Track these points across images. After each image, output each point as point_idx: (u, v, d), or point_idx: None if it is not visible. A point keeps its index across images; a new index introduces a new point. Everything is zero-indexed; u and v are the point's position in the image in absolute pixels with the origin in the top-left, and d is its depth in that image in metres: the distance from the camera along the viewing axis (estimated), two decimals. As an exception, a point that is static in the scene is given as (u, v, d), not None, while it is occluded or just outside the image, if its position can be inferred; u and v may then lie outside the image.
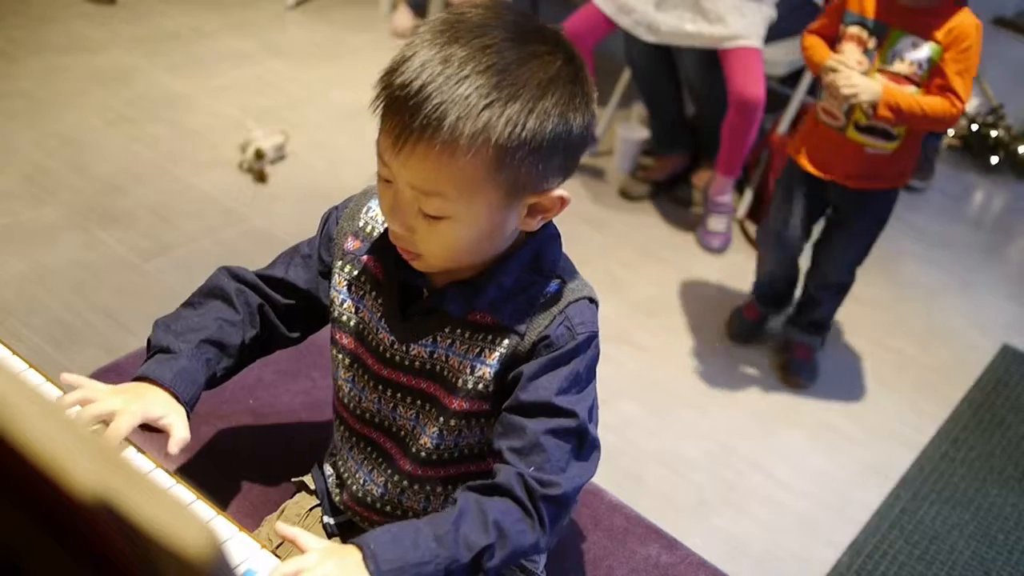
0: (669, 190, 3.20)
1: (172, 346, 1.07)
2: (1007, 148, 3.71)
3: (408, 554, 0.91)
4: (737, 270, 2.84)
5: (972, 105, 3.98)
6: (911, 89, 2.00)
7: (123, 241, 2.53)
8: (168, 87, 3.28)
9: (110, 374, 1.41)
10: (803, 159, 2.22)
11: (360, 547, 0.91)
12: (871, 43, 2.03)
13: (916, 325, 2.80)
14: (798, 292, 2.53)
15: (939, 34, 1.97)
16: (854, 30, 2.05)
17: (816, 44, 2.12)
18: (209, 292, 1.15)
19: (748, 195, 3.10)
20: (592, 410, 1.03)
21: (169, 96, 3.23)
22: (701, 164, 3.20)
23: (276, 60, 3.60)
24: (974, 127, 3.77)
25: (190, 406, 1.05)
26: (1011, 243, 3.42)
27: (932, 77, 1.99)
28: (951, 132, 3.74)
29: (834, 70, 2.00)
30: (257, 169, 2.88)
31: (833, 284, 2.38)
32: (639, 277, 2.80)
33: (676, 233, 3.04)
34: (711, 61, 2.87)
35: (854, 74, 1.99)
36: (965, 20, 1.96)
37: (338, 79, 3.51)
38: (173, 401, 1.04)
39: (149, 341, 1.11)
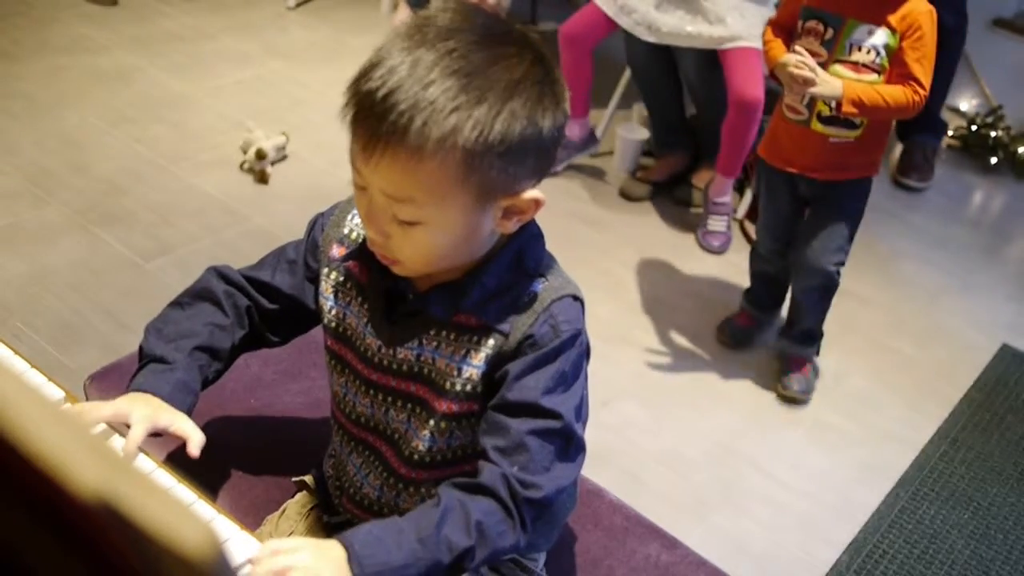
0: (669, 190, 3.20)
1: (167, 355, 1.08)
2: (1006, 149, 3.71)
3: (391, 556, 0.92)
4: (737, 270, 2.84)
5: (971, 105, 3.99)
6: (872, 77, 2.02)
7: (124, 241, 2.53)
8: (169, 87, 3.29)
9: (111, 374, 1.41)
10: (771, 156, 2.25)
11: (344, 547, 0.92)
12: (828, 34, 2.05)
13: (916, 325, 2.80)
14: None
15: (893, 19, 1.99)
16: (811, 24, 2.07)
17: (773, 42, 2.13)
18: (198, 294, 1.16)
19: (748, 195, 3.10)
20: (579, 409, 1.03)
21: (170, 96, 3.24)
22: (701, 164, 3.20)
23: (277, 61, 3.60)
24: (974, 127, 3.77)
25: (187, 414, 1.06)
26: (1010, 243, 3.42)
27: (892, 66, 2.01)
28: (951, 132, 3.74)
29: (794, 65, 2.00)
30: (258, 169, 2.88)
31: (816, 287, 2.30)
32: (639, 277, 2.80)
33: (676, 233, 3.04)
34: (711, 61, 2.87)
35: (816, 67, 2.00)
36: (917, 7, 1.98)
37: (339, 80, 3.47)
38: (174, 408, 1.05)
39: (141, 348, 1.11)
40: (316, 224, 1.15)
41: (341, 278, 1.10)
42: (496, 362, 1.01)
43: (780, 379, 2.44)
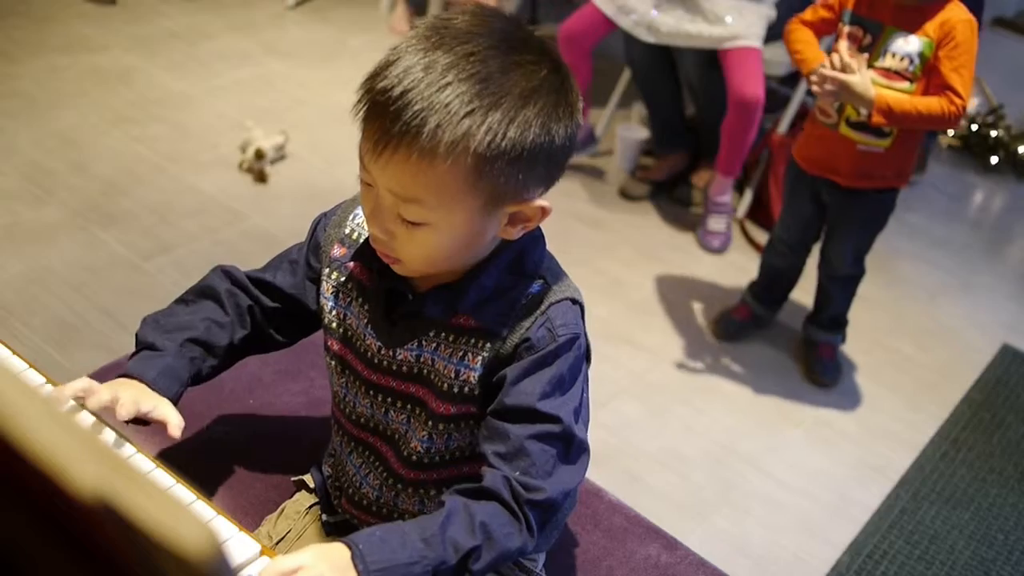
0: (669, 190, 3.20)
1: (157, 343, 1.09)
2: (1007, 148, 3.71)
3: (396, 555, 0.91)
4: (737, 270, 2.84)
5: (972, 105, 3.99)
6: (903, 85, 2.01)
7: (123, 241, 2.53)
8: (168, 87, 3.28)
9: (110, 374, 1.40)
10: (800, 156, 2.26)
11: (348, 546, 0.91)
12: (867, 40, 2.04)
13: (916, 325, 2.80)
14: (799, 292, 2.53)
15: (929, 28, 1.98)
16: (852, 29, 2.06)
17: (807, 40, 2.11)
18: (201, 291, 1.17)
19: (748, 195, 3.11)
20: (579, 412, 1.02)
21: (169, 96, 3.23)
22: (701, 164, 3.20)
23: (276, 60, 3.60)
24: (974, 127, 3.77)
25: (174, 402, 1.06)
26: (1011, 243, 3.42)
27: (928, 75, 1.99)
28: (951, 132, 3.74)
29: (827, 69, 1.99)
30: (257, 169, 2.88)
31: (841, 276, 2.39)
32: (639, 277, 2.80)
33: (676, 233, 3.04)
34: (711, 61, 2.87)
35: (853, 66, 1.98)
36: (954, 15, 1.96)
37: (338, 79, 3.51)
38: (158, 395, 1.05)
39: (136, 336, 1.12)
40: (319, 224, 1.15)
41: (342, 279, 1.10)
42: (493, 366, 1.01)
43: (809, 365, 2.49)
